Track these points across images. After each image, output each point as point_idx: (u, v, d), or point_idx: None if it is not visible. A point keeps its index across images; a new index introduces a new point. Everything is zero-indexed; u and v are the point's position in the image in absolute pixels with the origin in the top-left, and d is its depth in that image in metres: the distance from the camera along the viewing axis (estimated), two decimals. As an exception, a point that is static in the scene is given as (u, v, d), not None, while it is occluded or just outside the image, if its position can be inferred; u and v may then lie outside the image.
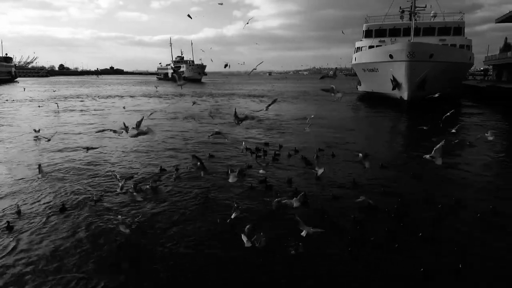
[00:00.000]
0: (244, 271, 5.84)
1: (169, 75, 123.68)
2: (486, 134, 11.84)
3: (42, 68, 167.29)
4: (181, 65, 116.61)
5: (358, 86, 47.89)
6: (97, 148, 13.43)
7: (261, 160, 12.53)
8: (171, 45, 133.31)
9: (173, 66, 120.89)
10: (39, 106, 30.11)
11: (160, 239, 6.88)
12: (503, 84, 34.24)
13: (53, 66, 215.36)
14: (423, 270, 5.55)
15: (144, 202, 8.70)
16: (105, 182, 10.35)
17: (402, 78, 28.16)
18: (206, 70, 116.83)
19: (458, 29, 38.96)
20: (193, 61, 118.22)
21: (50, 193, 9.38)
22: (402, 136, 20.39)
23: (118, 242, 6.76)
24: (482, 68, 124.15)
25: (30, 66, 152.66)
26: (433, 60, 27.40)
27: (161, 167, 11.64)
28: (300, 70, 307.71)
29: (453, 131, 12.39)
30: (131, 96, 46.98)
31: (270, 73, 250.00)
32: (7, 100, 37.65)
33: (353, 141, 16.60)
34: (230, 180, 8.33)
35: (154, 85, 73.35)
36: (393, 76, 28.98)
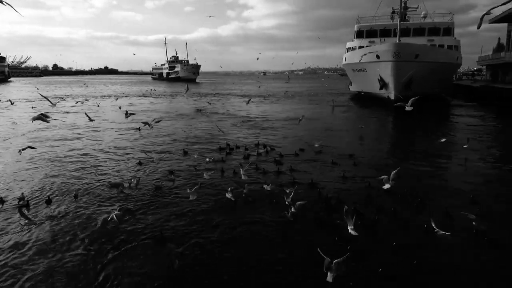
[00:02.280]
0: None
1: (164, 75, 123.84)
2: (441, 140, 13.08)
3: (36, 68, 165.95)
4: (176, 65, 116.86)
5: (349, 86, 48.49)
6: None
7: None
8: (166, 45, 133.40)
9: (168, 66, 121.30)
10: (32, 107, 30.10)
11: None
12: (496, 84, 34.61)
13: (46, 66, 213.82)
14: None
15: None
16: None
17: (388, 78, 28.73)
18: (201, 70, 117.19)
19: (447, 30, 39.63)
20: (187, 61, 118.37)
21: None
22: (385, 135, 20.79)
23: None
24: (475, 68, 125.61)
25: (23, 66, 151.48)
26: (419, 60, 27.99)
27: (139, 161, 12.45)
28: (294, 70, 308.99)
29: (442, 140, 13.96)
30: (140, 96, 47.08)
31: (264, 73, 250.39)
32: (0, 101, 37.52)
33: (336, 140, 17.03)
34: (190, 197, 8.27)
35: (150, 86, 73.35)
36: (380, 76, 29.55)
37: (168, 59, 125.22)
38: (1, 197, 8.77)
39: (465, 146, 13.62)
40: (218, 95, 51.41)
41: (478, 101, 33.94)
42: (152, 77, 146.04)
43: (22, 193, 8.81)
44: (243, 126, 21.37)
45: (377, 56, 29.45)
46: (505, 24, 45.71)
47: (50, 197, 8.85)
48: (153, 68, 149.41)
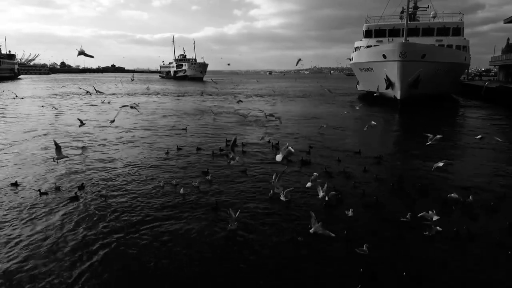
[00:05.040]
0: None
1: (172, 73, 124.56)
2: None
3: (44, 65, 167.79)
4: (184, 64, 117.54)
5: (357, 86, 48.37)
6: None
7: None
8: (173, 44, 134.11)
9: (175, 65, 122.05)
10: (42, 106, 30.50)
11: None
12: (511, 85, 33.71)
13: (54, 64, 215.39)
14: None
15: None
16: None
17: (395, 77, 28.78)
18: (208, 69, 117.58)
19: (457, 30, 39.32)
20: (195, 60, 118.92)
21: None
22: (389, 135, 20.73)
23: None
24: (483, 69, 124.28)
25: (32, 63, 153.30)
26: (426, 60, 27.99)
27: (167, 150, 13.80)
28: (300, 70, 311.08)
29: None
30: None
31: (270, 72, 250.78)
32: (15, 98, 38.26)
33: (339, 140, 17.24)
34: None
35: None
36: (386, 75, 29.60)
37: (176, 58, 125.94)
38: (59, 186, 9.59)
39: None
40: (227, 93, 51.78)
41: (494, 101, 32.83)
42: (160, 76, 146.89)
43: (82, 183, 9.77)
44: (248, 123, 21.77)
45: (384, 56, 29.51)
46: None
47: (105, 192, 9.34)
48: (160, 67, 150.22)
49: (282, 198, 8.43)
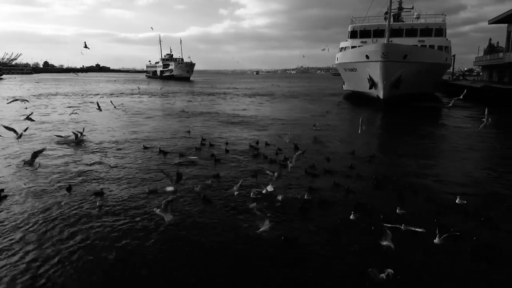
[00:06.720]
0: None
1: (158, 73, 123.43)
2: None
3: (27, 65, 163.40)
4: (170, 63, 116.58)
5: (343, 86, 49.05)
6: None
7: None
8: (160, 43, 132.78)
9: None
10: (26, 108, 29.58)
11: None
12: (496, 84, 34.64)
13: (37, 63, 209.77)
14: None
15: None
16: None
17: (377, 77, 29.37)
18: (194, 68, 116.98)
19: (439, 31, 40.36)
20: (182, 59, 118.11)
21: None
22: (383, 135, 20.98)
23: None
24: (465, 69, 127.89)
25: (13, 63, 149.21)
26: (407, 61, 28.63)
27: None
28: (287, 69, 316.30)
29: None
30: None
31: (257, 72, 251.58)
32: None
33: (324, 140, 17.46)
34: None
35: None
36: (369, 75, 30.19)
37: (163, 57, 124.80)
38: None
39: None
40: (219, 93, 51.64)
41: (479, 101, 33.47)
42: (146, 75, 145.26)
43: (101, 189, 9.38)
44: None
45: (367, 56, 30.06)
46: (504, 25, 46.11)
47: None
48: (147, 66, 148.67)
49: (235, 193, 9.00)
